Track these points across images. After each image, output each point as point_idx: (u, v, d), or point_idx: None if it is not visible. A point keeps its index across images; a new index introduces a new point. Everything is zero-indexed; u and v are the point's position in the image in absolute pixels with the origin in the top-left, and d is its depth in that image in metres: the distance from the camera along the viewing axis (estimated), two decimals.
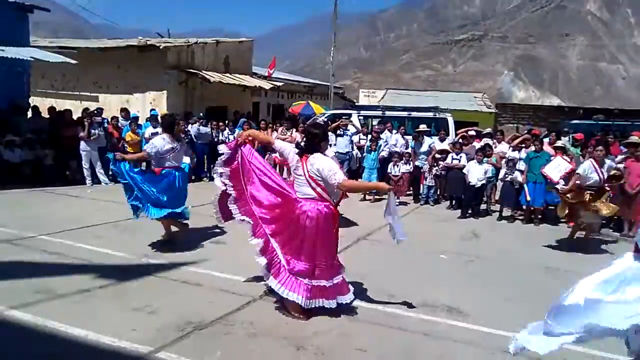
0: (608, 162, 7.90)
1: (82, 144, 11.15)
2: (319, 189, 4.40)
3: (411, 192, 11.75)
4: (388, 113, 15.57)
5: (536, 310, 4.74)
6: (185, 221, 6.71)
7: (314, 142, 4.50)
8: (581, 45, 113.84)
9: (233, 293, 4.92)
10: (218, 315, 4.35)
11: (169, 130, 6.59)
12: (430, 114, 15.11)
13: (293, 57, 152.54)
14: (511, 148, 10.67)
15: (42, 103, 14.82)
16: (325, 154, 4.54)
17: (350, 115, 15.02)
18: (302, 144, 4.58)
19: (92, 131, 11.21)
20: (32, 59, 11.93)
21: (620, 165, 8.62)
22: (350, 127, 12.58)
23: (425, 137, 11.67)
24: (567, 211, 7.62)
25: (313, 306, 4.42)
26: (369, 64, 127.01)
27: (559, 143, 10.27)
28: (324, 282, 4.46)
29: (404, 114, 15.54)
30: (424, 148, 11.46)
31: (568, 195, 7.56)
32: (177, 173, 6.49)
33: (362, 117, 14.94)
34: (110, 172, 12.03)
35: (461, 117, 23.14)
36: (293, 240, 4.49)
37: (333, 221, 4.46)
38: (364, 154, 11.85)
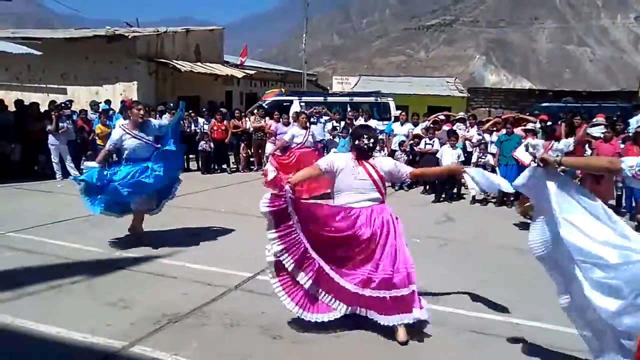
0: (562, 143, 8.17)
1: (51, 138, 10.88)
2: (384, 190, 4.20)
3: None
4: (330, 99, 15.51)
5: (509, 291, 4.86)
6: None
7: (374, 146, 4.24)
8: (550, 28, 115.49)
9: (208, 284, 4.89)
10: (193, 307, 4.33)
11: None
12: (372, 99, 15.17)
13: (265, 44, 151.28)
14: (478, 132, 10.85)
15: (7, 96, 14.41)
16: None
17: (291, 102, 14.89)
18: (365, 147, 4.14)
19: (61, 124, 10.94)
20: None
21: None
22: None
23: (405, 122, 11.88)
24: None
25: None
26: (342, 50, 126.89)
27: (529, 125, 10.44)
28: (404, 290, 3.93)
29: (346, 99, 15.53)
30: (404, 131, 11.65)
31: None
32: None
33: (303, 104, 14.81)
34: (82, 166, 11.82)
35: (434, 102, 23.39)
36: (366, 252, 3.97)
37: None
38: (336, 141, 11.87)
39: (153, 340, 3.73)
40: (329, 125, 12.57)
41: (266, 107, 14.61)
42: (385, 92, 17.60)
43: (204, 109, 14.62)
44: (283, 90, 19.26)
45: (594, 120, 10.68)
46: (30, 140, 11.15)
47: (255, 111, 13.92)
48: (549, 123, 10.65)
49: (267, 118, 13.35)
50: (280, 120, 12.39)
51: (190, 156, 13.52)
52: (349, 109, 14.45)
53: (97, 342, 3.65)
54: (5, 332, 3.80)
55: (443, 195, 10.00)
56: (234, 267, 5.37)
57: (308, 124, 10.11)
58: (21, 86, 17.36)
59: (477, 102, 28.93)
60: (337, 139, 11.72)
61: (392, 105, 14.66)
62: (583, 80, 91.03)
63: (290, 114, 13.03)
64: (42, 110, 11.77)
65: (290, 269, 3.84)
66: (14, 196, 9.18)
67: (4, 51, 11.75)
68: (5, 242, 6.12)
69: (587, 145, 9.64)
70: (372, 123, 12.39)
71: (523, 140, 9.38)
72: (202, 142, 12.74)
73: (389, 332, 4.00)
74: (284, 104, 14.69)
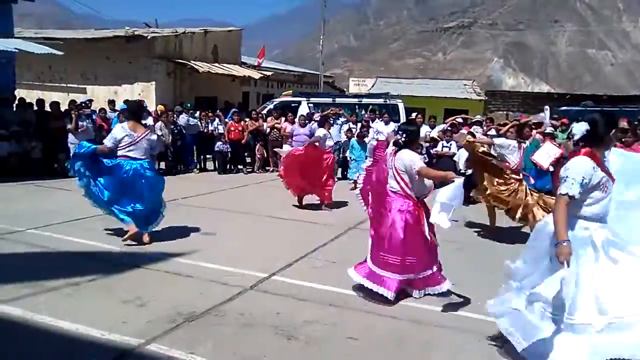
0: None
1: (70, 137, 11.04)
2: (402, 183, 4.70)
3: None
4: (339, 100, 15.44)
5: None
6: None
7: (410, 139, 4.80)
8: (570, 31, 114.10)
9: (223, 284, 4.92)
10: (209, 306, 4.35)
11: (133, 117, 6.28)
12: (380, 100, 15.10)
13: (282, 46, 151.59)
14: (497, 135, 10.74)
15: (29, 95, 14.66)
16: (414, 150, 4.83)
17: (299, 103, 14.86)
18: (402, 140, 4.78)
19: (80, 123, 11.10)
20: (17, 51, 11.77)
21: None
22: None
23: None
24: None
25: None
26: (359, 52, 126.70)
27: (548, 129, 10.32)
28: (412, 275, 4.68)
29: (355, 100, 15.47)
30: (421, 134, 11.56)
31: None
32: (132, 166, 6.01)
33: (312, 105, 14.78)
34: None
35: (451, 104, 23.26)
36: (383, 234, 4.74)
37: (417, 218, 4.66)
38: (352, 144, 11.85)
39: (169, 338, 3.76)
40: (345, 127, 12.58)
41: (274, 107, 14.70)
42: (402, 94, 17.54)
43: (217, 110, 14.70)
44: (291, 91, 19.41)
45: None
46: (50, 139, 11.32)
47: (273, 111, 14.00)
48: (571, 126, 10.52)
49: (282, 119, 13.42)
50: (296, 121, 12.42)
51: (207, 156, 13.63)
52: (357, 109, 14.45)
53: (114, 339, 3.69)
54: (25, 328, 3.86)
55: None
56: (250, 267, 5.39)
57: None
58: (42, 85, 17.65)
59: (494, 105, 28.68)
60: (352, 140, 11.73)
61: (401, 107, 14.60)
62: (603, 84, 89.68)
63: (298, 114, 13.09)
64: (62, 109, 11.95)
65: None
66: (33, 194, 9.32)
67: (27, 51, 11.94)
68: (25, 239, 6.21)
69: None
70: (378, 125, 12.36)
71: (541, 144, 9.28)
72: (219, 143, 12.82)
73: (401, 335, 4.00)
74: (292, 104, 14.72)
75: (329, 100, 15.48)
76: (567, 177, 3.38)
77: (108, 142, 6.06)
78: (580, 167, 3.37)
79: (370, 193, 5.18)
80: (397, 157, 4.76)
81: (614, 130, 3.58)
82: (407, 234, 4.60)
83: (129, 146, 6.03)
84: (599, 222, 3.43)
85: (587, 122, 3.50)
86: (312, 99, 15.36)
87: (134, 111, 6.52)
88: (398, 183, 4.71)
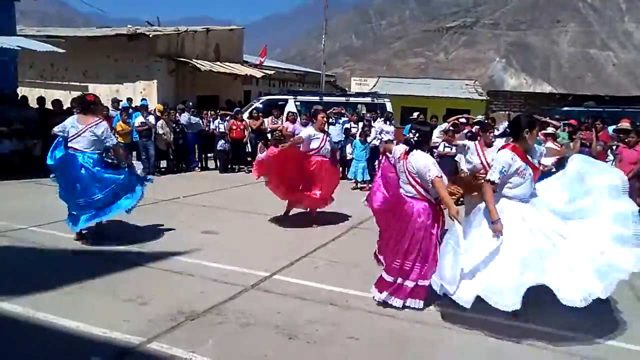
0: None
1: None
2: (418, 187, 4.47)
3: None
4: (326, 99, 15.34)
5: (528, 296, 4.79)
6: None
7: (421, 140, 4.56)
8: (572, 31, 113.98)
9: (225, 283, 4.92)
10: (210, 305, 4.35)
11: (81, 110, 6.46)
12: (368, 99, 15.04)
13: (284, 45, 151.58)
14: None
15: (30, 93, 14.67)
16: (423, 151, 4.55)
17: (286, 101, 14.81)
18: (413, 140, 4.54)
19: None
20: (19, 48, 11.78)
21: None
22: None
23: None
24: None
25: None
26: (361, 51, 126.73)
27: (549, 129, 10.28)
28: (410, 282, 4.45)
29: (342, 99, 15.42)
30: None
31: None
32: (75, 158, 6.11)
33: (298, 103, 14.72)
34: None
35: (453, 104, 23.21)
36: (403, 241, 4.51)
37: (432, 219, 4.45)
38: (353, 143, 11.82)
39: (170, 337, 3.76)
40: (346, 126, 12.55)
41: (261, 105, 14.65)
42: (404, 94, 17.46)
43: (218, 110, 14.63)
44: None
45: (618, 125, 10.49)
46: (52, 136, 11.29)
47: (274, 111, 13.96)
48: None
49: (283, 119, 13.40)
50: (297, 121, 12.42)
51: (209, 155, 13.63)
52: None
53: (115, 337, 3.69)
54: (26, 326, 3.87)
55: (462, 198, 9.90)
56: (251, 266, 5.39)
57: (327, 127, 8.31)
58: (44, 83, 17.66)
59: (496, 106, 28.66)
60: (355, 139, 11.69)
61: (389, 106, 14.51)
62: (605, 84, 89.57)
63: (285, 113, 13.08)
64: (64, 107, 11.94)
65: None
66: (36, 191, 9.33)
67: (29, 49, 11.95)
68: (27, 236, 6.22)
69: (609, 151, 9.50)
70: (381, 125, 12.34)
71: (543, 144, 9.24)
72: (222, 141, 12.81)
73: (403, 335, 4.00)
74: (279, 102, 14.65)
75: (316, 98, 15.34)
76: (493, 167, 4.24)
77: (56, 128, 6.33)
78: (500, 158, 4.24)
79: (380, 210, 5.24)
80: (408, 159, 4.51)
81: (532, 130, 4.25)
82: (423, 238, 4.42)
83: (74, 137, 6.19)
84: (520, 201, 4.27)
85: (510, 121, 4.18)
86: (300, 97, 15.27)
87: (80, 104, 6.70)
88: (413, 187, 4.48)
